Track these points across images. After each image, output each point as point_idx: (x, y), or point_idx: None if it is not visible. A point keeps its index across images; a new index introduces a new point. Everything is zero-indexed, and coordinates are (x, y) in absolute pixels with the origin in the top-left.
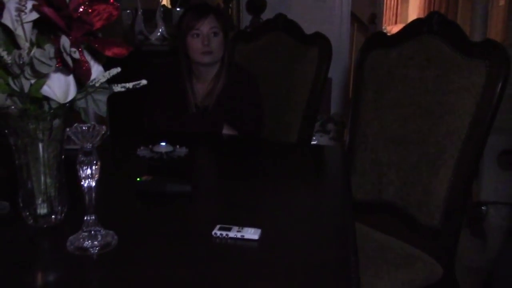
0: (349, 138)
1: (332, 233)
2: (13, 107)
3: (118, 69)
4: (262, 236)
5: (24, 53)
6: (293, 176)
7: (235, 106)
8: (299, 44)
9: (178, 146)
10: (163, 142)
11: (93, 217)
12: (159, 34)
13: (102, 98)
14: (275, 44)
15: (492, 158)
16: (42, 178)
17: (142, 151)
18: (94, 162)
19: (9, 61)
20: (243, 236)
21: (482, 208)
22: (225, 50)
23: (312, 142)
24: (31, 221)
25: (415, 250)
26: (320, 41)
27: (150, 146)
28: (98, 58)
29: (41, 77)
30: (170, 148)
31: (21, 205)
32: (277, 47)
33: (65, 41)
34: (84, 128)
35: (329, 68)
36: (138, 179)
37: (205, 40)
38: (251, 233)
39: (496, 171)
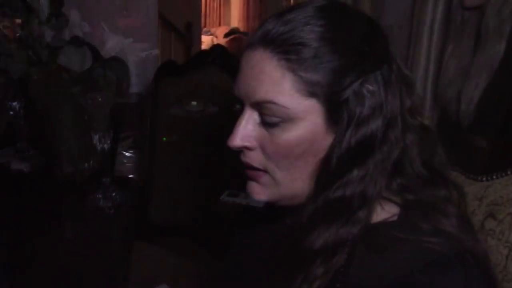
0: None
1: None
2: (35, 76)
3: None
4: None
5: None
6: None
7: None
8: None
9: (211, 104)
10: (194, 101)
11: (109, 179)
12: None
13: None
14: None
15: None
16: (66, 139)
17: (174, 109)
18: (108, 130)
19: (24, 34)
20: (248, 203)
21: None
22: None
23: None
24: (59, 177)
25: None
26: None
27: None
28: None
29: (57, 48)
30: (201, 107)
31: (50, 161)
32: None
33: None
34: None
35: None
36: (164, 138)
37: None
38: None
39: None
